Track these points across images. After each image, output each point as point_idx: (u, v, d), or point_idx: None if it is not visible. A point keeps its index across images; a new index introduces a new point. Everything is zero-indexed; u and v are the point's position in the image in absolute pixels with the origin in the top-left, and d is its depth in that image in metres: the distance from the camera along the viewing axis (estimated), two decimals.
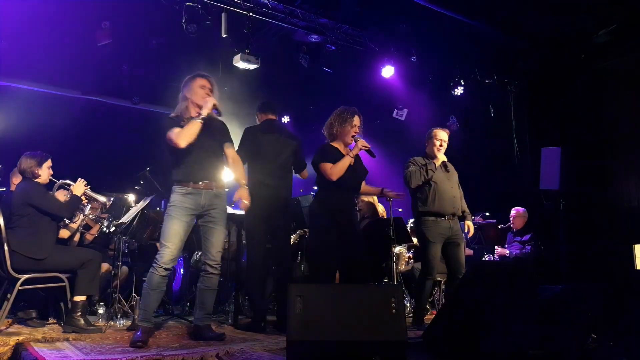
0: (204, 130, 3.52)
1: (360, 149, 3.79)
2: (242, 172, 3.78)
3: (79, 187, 4.18)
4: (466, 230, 4.59)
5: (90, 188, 4.29)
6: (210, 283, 3.58)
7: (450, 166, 4.58)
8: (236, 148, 3.90)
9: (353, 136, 3.86)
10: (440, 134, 4.54)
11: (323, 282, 3.70)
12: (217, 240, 3.56)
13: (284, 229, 4.31)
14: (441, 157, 4.49)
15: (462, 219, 4.58)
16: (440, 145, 4.49)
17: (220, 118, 3.66)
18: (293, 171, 4.41)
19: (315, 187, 4.14)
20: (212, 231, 3.56)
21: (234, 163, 3.73)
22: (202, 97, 3.52)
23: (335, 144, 3.92)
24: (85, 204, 4.51)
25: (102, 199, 4.43)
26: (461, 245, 4.42)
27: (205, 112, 3.43)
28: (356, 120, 3.89)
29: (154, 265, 3.40)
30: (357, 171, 3.88)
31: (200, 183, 3.49)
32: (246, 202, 3.64)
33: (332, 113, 3.97)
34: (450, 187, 4.41)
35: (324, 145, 3.93)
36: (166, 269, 3.39)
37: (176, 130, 3.41)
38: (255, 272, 4.16)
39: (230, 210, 5.12)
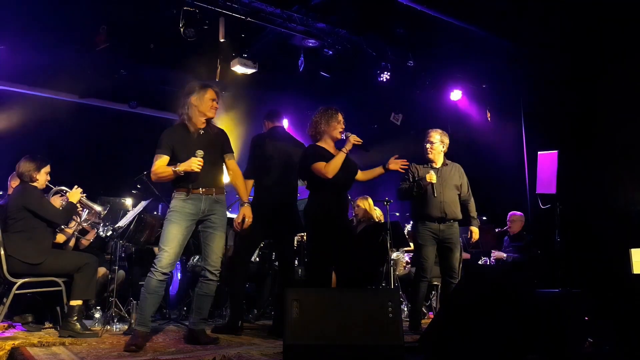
0: (203, 139, 3.54)
1: (353, 144, 3.70)
2: (244, 186, 3.76)
3: (75, 194, 4.17)
4: (468, 236, 4.51)
5: (86, 196, 4.29)
6: (209, 289, 3.57)
7: (452, 169, 4.52)
8: (237, 154, 3.89)
9: (341, 132, 3.80)
10: (428, 136, 4.49)
11: (321, 284, 3.68)
12: (217, 246, 3.56)
13: (288, 235, 4.30)
14: (438, 159, 4.46)
15: (468, 223, 4.51)
16: (431, 148, 4.45)
17: (217, 124, 3.68)
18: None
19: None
20: (212, 237, 3.56)
21: (235, 177, 3.71)
22: (209, 109, 3.57)
23: (321, 144, 3.84)
24: (82, 210, 4.50)
25: (97, 207, 4.42)
26: (454, 250, 4.36)
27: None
28: (340, 117, 3.85)
29: (152, 269, 3.40)
30: (349, 167, 3.81)
31: (200, 189, 3.51)
32: (249, 220, 3.65)
33: (316, 113, 3.90)
34: (439, 192, 4.36)
35: (312, 146, 3.85)
36: (164, 274, 3.39)
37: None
38: (240, 274, 4.14)
39: (227, 214, 5.12)
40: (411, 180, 4.45)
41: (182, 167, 3.39)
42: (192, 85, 3.62)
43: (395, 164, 3.90)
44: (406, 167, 3.97)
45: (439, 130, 4.53)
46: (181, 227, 3.44)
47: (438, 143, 4.48)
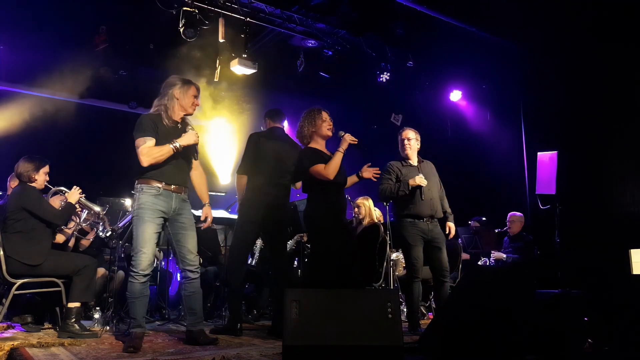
0: (179, 133, 3.49)
1: (349, 143, 3.64)
2: (206, 189, 3.77)
3: (74, 194, 4.15)
4: (447, 232, 4.50)
5: (85, 196, 4.27)
6: (194, 288, 3.56)
7: (428, 166, 4.56)
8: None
9: (329, 129, 3.78)
10: (404, 133, 4.53)
11: (326, 285, 3.66)
12: (192, 245, 3.54)
13: (280, 235, 4.29)
14: (414, 156, 4.49)
15: (444, 219, 4.52)
16: (406, 145, 4.48)
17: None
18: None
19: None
20: (186, 237, 3.53)
21: (199, 176, 3.73)
22: (190, 105, 3.55)
23: (313, 145, 3.79)
24: (81, 211, 4.49)
25: (96, 208, 4.41)
26: (442, 249, 4.36)
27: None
28: (325, 115, 3.81)
29: (132, 274, 3.34)
30: (341, 166, 3.77)
31: (172, 186, 3.46)
32: (210, 220, 3.69)
33: (300, 119, 3.88)
34: (427, 189, 4.36)
35: (306, 149, 3.79)
36: (145, 276, 3.35)
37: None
38: (236, 275, 4.13)
39: (226, 214, 5.12)
40: (394, 180, 4.45)
41: (183, 141, 3.38)
42: (174, 78, 3.59)
43: (368, 172, 3.87)
44: (378, 175, 3.93)
45: (413, 129, 4.59)
46: (155, 224, 3.39)
47: (414, 140, 4.52)
